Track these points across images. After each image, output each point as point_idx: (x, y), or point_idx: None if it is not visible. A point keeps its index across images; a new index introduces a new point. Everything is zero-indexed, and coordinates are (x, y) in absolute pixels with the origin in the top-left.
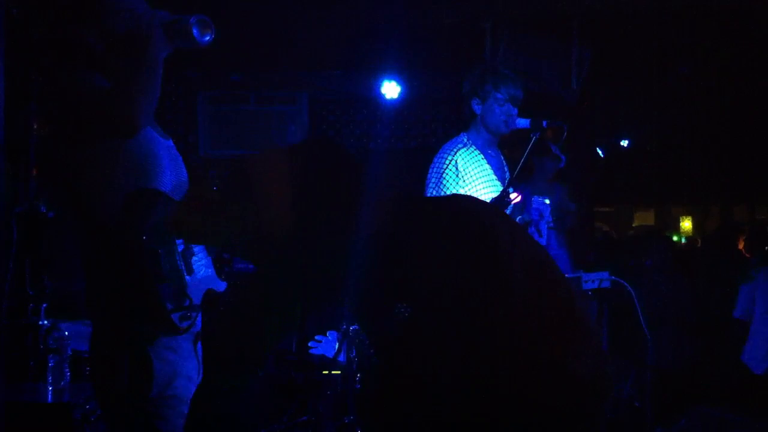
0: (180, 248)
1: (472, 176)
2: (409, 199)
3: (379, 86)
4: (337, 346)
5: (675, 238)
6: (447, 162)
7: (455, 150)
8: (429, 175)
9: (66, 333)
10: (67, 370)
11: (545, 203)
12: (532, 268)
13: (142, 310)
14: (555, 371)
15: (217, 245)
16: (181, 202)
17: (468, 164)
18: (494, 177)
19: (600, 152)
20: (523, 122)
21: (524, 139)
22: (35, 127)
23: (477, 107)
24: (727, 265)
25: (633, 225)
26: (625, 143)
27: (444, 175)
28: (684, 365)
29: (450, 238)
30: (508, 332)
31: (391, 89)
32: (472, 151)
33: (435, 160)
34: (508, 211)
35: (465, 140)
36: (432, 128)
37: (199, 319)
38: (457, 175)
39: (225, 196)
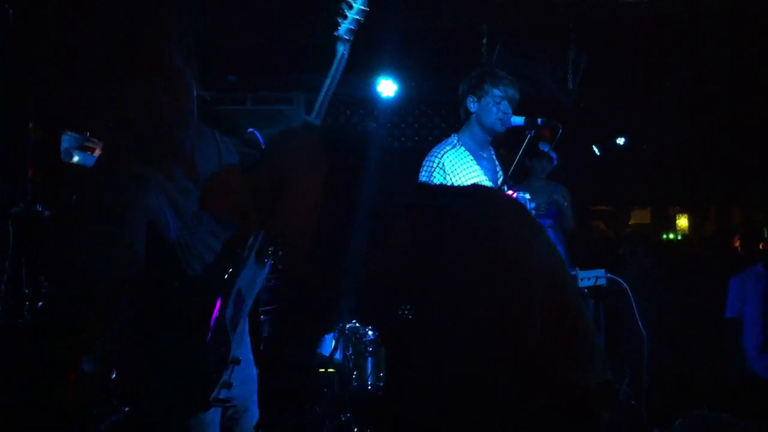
0: (230, 313)
1: (460, 177)
2: (429, 197)
3: (375, 87)
4: (333, 345)
5: (672, 237)
6: (435, 164)
7: (443, 152)
8: (419, 178)
9: None
10: None
11: (525, 198)
12: (548, 278)
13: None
14: (562, 382)
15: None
16: (212, 180)
17: (456, 165)
18: (485, 178)
19: (597, 151)
20: (518, 120)
21: (520, 139)
22: (31, 126)
23: (473, 105)
24: (723, 267)
25: (630, 223)
26: (621, 141)
27: (432, 177)
28: (674, 367)
29: (468, 242)
30: (516, 339)
31: (387, 87)
32: (461, 152)
33: (424, 162)
34: None
35: (455, 141)
36: (428, 129)
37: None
38: (444, 178)
39: (257, 173)
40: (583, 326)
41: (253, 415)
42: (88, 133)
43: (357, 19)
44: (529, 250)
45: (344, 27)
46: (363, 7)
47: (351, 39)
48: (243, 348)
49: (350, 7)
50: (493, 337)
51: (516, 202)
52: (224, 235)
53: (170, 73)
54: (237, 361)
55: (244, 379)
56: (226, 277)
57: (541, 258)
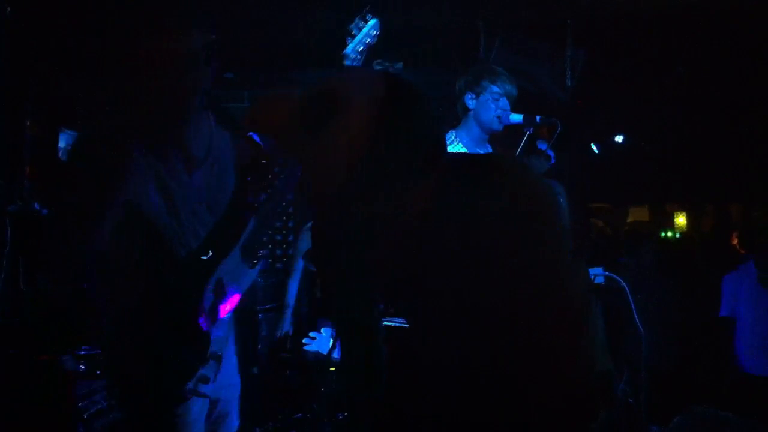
0: (208, 302)
1: None
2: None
3: None
4: (331, 343)
5: (669, 234)
6: None
7: None
8: None
9: None
10: None
11: None
12: (550, 267)
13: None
14: (563, 374)
15: (283, 144)
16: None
17: None
18: None
19: (595, 148)
20: (516, 117)
21: (518, 137)
22: (28, 124)
23: (471, 102)
24: (722, 264)
25: (628, 221)
26: (619, 139)
27: None
28: (672, 365)
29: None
30: (517, 333)
31: None
32: (458, 149)
33: None
34: None
35: (452, 138)
36: None
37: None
38: None
39: (311, 100)
40: (586, 318)
41: (234, 419)
42: None
43: (366, 42)
44: (526, 236)
45: (351, 46)
46: (374, 31)
47: (358, 58)
48: (228, 351)
49: (359, 28)
50: (493, 331)
51: (516, 178)
52: (211, 221)
53: (175, 67)
54: (217, 357)
55: (228, 384)
56: (205, 262)
57: (541, 246)
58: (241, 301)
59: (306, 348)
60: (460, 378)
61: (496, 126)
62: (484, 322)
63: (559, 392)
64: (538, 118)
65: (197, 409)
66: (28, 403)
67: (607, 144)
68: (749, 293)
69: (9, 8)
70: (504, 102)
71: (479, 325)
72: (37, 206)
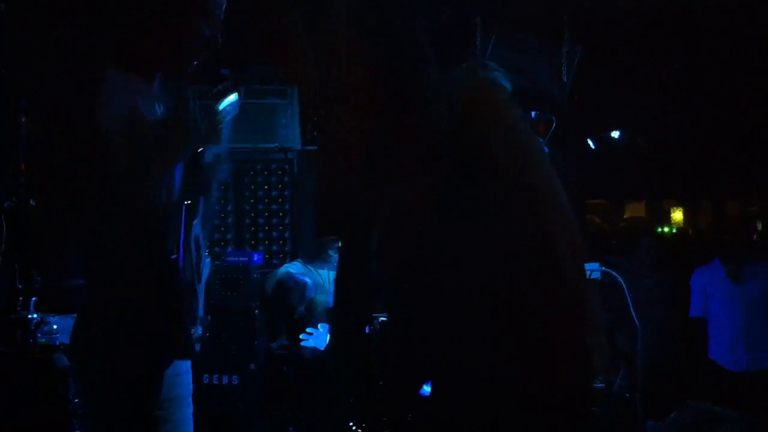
0: (193, 257)
1: None
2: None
3: None
4: (328, 339)
5: (666, 230)
6: None
7: None
8: None
9: (55, 327)
10: None
11: None
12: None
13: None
14: (565, 374)
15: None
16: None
17: None
18: None
19: (591, 144)
20: None
21: None
22: (23, 120)
23: None
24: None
25: (624, 217)
26: (616, 134)
27: None
28: (669, 360)
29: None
30: (522, 326)
31: None
32: None
33: None
34: None
35: None
36: None
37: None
38: None
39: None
40: (587, 315)
41: None
42: None
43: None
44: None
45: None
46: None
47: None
48: (185, 366)
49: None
50: (494, 330)
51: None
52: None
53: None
54: (203, 320)
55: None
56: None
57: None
58: (239, 297)
59: (303, 344)
60: (461, 377)
61: None
62: (485, 320)
63: (559, 391)
64: (533, 113)
65: (188, 412)
66: (22, 400)
67: (603, 140)
68: (721, 290)
69: (3, 4)
70: None
71: (480, 324)
72: (32, 203)
